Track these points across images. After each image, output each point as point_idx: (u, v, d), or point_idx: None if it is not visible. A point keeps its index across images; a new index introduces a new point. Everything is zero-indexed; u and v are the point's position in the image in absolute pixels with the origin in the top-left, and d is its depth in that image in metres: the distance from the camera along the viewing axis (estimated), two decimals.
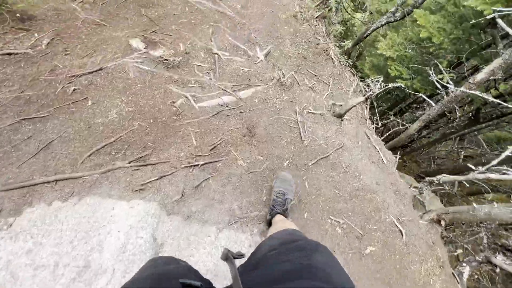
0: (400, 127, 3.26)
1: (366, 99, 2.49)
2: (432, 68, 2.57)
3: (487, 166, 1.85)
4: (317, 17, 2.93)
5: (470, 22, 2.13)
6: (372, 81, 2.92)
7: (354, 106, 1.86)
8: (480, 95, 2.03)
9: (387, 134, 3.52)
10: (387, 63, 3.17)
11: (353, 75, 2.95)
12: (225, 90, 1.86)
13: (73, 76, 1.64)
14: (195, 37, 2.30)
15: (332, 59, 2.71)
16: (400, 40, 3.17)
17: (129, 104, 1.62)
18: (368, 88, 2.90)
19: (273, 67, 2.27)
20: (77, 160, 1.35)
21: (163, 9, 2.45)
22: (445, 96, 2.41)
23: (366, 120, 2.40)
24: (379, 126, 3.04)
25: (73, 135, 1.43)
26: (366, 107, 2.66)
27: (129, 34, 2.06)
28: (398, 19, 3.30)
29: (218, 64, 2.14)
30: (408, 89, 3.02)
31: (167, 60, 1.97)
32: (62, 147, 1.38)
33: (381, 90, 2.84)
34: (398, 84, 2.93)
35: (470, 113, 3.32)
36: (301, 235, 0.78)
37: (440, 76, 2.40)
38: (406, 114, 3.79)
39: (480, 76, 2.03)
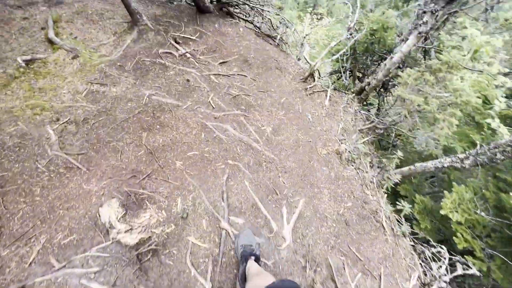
0: None
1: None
2: None
3: None
4: (370, 162, 2.29)
5: None
6: (436, 261, 2.11)
7: None
8: None
9: None
10: (452, 226, 2.37)
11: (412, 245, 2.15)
12: None
13: None
14: (202, 187, 1.66)
15: (384, 227, 1.97)
16: (468, 195, 2.42)
17: None
18: (430, 274, 2.08)
19: (304, 262, 1.52)
20: None
21: (172, 134, 1.89)
22: None
23: None
24: None
25: None
26: None
27: (108, 186, 1.44)
28: (466, 167, 2.61)
29: (223, 248, 1.44)
30: (482, 278, 2.16)
31: (147, 239, 1.30)
32: None
33: (448, 280, 2.01)
34: (471, 272, 2.09)
35: None
36: None
37: None
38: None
39: None
